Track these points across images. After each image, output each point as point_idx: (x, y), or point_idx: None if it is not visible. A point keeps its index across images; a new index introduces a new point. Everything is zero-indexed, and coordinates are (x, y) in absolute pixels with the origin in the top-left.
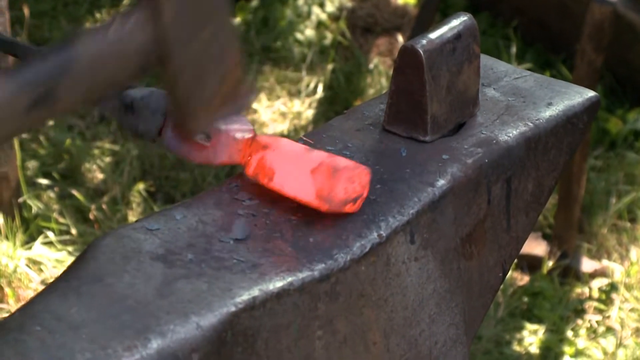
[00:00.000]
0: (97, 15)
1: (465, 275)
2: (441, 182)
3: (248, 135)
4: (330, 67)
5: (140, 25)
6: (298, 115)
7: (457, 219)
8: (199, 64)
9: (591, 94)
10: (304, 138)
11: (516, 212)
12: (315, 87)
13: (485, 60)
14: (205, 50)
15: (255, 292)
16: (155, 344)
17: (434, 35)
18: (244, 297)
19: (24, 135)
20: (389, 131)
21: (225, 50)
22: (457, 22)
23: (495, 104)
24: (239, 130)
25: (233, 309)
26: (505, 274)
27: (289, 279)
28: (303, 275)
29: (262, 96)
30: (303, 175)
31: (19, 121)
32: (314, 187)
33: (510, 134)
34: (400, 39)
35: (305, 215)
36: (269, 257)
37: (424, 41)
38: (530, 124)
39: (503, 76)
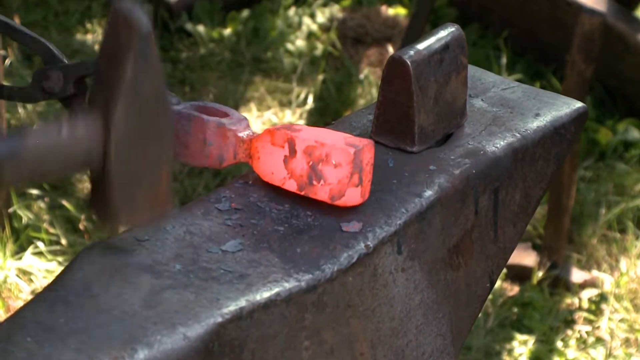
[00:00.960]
0: (88, 25)
1: (452, 285)
2: (428, 193)
3: (251, 133)
4: (320, 77)
5: (89, 132)
6: None
7: (444, 230)
8: (134, 176)
9: (579, 104)
10: None
11: (504, 222)
12: (306, 97)
13: (474, 71)
14: (143, 165)
15: (242, 302)
16: (142, 355)
17: (421, 46)
18: (231, 307)
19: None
20: (377, 142)
21: (160, 166)
22: (445, 33)
23: (482, 114)
24: (242, 129)
25: (220, 319)
26: (492, 284)
27: (276, 290)
28: (290, 285)
29: (253, 106)
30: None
31: None
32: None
33: (498, 145)
34: (390, 49)
35: (292, 226)
36: (256, 267)
37: (412, 52)
38: (518, 135)
39: (491, 87)
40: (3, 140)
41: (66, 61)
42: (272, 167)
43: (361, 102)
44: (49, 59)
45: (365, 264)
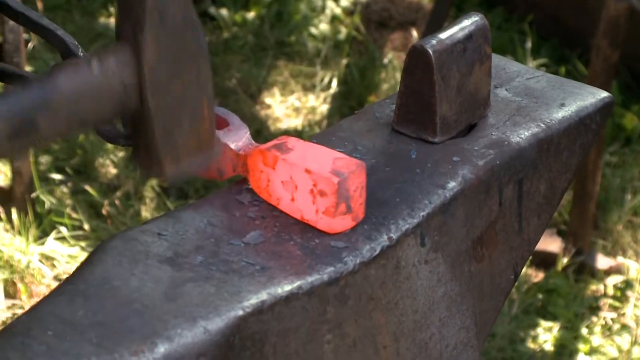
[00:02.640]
0: (111, 9)
1: (476, 278)
2: (452, 184)
3: (250, 145)
4: (344, 61)
5: (120, 65)
6: (312, 110)
7: (468, 221)
8: (174, 111)
9: (604, 94)
10: (314, 141)
11: (528, 214)
12: (330, 81)
13: (498, 60)
14: (181, 96)
15: (263, 295)
16: (162, 349)
17: (444, 35)
18: (252, 301)
19: None
20: (399, 132)
21: (200, 98)
22: (469, 22)
23: (507, 104)
24: (239, 142)
25: (241, 312)
26: (517, 276)
27: (298, 283)
28: (312, 278)
29: (276, 91)
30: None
31: (1, 148)
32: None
33: (522, 135)
34: (414, 34)
35: None
36: (277, 260)
37: (434, 41)
38: (543, 125)
39: (515, 76)
40: (33, 87)
41: (81, 54)
42: (265, 186)
43: (385, 86)
44: (65, 53)
45: (388, 256)
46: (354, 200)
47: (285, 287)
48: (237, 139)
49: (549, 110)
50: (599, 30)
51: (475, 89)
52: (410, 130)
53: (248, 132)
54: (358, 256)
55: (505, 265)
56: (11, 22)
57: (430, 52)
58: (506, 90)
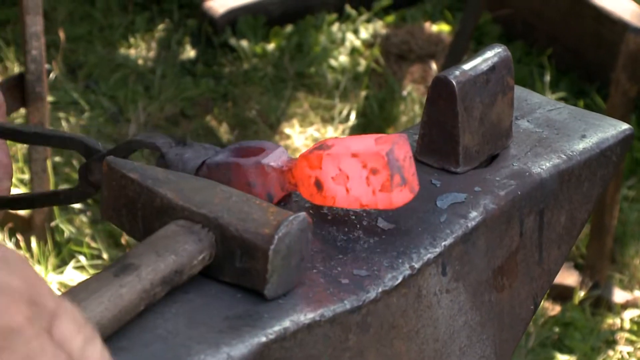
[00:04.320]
0: (132, 40)
1: (496, 307)
2: (473, 214)
3: (289, 161)
4: (363, 93)
5: None
6: None
7: (489, 251)
8: None
9: (625, 126)
10: None
11: (548, 244)
12: (349, 114)
13: (520, 91)
14: None
15: (286, 323)
16: None
17: (467, 66)
18: (276, 328)
19: (57, 159)
20: (421, 162)
21: None
22: (492, 53)
23: (528, 135)
24: (279, 160)
25: (264, 339)
26: (536, 306)
27: (320, 311)
28: (334, 306)
29: (295, 122)
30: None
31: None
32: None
33: (544, 166)
34: (434, 66)
35: (337, 246)
36: (301, 287)
37: (457, 72)
38: (564, 157)
39: (537, 108)
40: None
41: (101, 149)
42: (316, 191)
43: (404, 119)
44: (86, 153)
45: (410, 285)
46: (406, 171)
47: (308, 315)
48: (277, 158)
49: (570, 141)
50: (618, 64)
51: (497, 120)
52: (432, 160)
53: (285, 151)
54: (380, 285)
55: (526, 296)
56: (34, 52)
57: (454, 82)
58: (528, 121)
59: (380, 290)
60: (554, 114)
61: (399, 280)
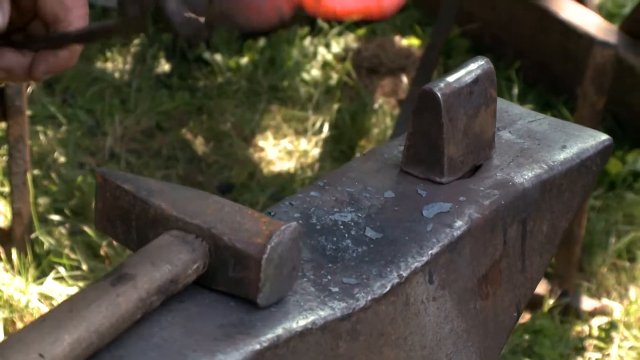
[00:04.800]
0: (108, 54)
1: (481, 315)
2: (459, 224)
3: None
4: (336, 106)
5: None
6: (304, 153)
7: (473, 260)
8: None
9: (604, 137)
10: (325, 181)
11: (531, 253)
12: (322, 126)
13: (501, 103)
14: None
15: (279, 330)
16: None
17: (451, 78)
18: (269, 335)
19: (36, 172)
20: (407, 172)
21: None
22: (475, 66)
23: (510, 146)
24: None
25: (258, 347)
26: (519, 314)
27: (312, 318)
28: (325, 314)
29: (269, 135)
30: None
31: None
32: None
33: (526, 177)
34: (404, 79)
35: (326, 255)
36: (292, 296)
37: (442, 84)
38: (545, 167)
39: (517, 119)
40: None
41: None
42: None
43: (375, 131)
44: None
45: (398, 293)
46: None
47: (300, 322)
48: None
49: (551, 152)
50: (586, 77)
51: (481, 131)
52: (418, 171)
53: None
54: (369, 292)
55: (509, 303)
56: None
57: (439, 95)
58: (509, 132)
59: (369, 298)
60: (534, 125)
61: (387, 289)
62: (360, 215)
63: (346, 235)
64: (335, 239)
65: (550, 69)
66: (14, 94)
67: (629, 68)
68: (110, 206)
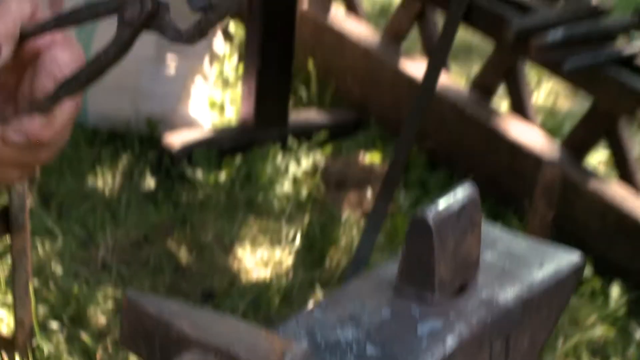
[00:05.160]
0: (97, 168)
1: None
2: (450, 341)
3: None
4: (307, 219)
5: None
6: (279, 262)
7: None
8: None
9: (576, 255)
10: (327, 299)
11: None
12: (294, 237)
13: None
14: None
15: None
16: None
17: (441, 206)
18: None
19: (36, 283)
20: (402, 292)
21: None
22: (462, 193)
23: (493, 266)
24: None
25: None
26: None
27: None
28: None
29: (247, 244)
30: None
31: None
32: None
33: (509, 296)
34: (369, 193)
35: None
36: None
37: (433, 211)
38: (525, 287)
39: (497, 240)
40: None
41: None
42: None
43: (343, 241)
44: None
45: None
46: None
47: None
48: None
49: (530, 271)
50: (536, 192)
51: (467, 253)
52: (411, 291)
53: None
54: None
55: None
56: (19, 187)
57: (431, 221)
58: (491, 253)
59: None
60: (513, 245)
61: None
62: (360, 332)
63: (348, 352)
64: (338, 356)
65: (499, 184)
66: (17, 210)
67: (571, 184)
68: (135, 327)
